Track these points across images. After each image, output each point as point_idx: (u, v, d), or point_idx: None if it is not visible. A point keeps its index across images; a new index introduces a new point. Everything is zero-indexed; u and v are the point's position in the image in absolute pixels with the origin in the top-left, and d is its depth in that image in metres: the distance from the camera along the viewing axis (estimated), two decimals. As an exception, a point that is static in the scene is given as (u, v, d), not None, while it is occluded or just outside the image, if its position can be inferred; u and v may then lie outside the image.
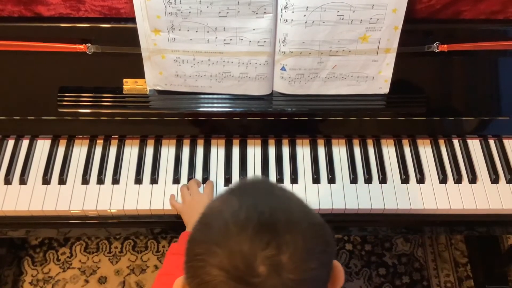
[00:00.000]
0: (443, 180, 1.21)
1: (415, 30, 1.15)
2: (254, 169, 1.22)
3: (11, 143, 1.25)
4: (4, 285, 1.73)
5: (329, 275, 0.67)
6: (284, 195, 0.70)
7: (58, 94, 1.18)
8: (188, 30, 1.07)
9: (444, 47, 1.14)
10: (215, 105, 1.19)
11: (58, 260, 1.81)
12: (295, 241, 0.60)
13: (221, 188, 1.19)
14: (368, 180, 1.21)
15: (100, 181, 1.19)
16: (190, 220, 1.11)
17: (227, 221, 0.62)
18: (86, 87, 1.18)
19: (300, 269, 0.60)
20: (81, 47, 1.12)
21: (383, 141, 1.27)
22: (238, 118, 1.21)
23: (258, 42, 1.09)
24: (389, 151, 1.25)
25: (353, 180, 1.21)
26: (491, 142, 1.28)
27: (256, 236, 0.59)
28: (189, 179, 1.20)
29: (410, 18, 1.10)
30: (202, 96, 1.19)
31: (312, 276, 0.62)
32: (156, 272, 1.76)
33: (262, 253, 0.58)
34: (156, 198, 1.18)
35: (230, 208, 0.64)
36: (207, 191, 1.16)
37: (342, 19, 1.06)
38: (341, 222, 1.23)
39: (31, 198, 1.17)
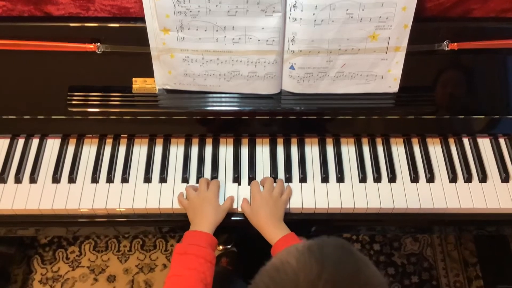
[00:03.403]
0: (453, 179, 1.21)
1: (425, 28, 1.14)
2: (262, 168, 1.22)
3: (21, 142, 1.25)
4: (14, 283, 1.74)
5: None
6: (367, 274, 0.66)
7: (68, 94, 1.18)
8: (197, 29, 1.07)
9: (454, 46, 1.13)
10: (224, 104, 1.19)
11: (67, 258, 1.82)
12: None
13: (230, 186, 1.19)
14: (377, 179, 1.20)
15: (110, 180, 1.20)
16: (195, 218, 1.11)
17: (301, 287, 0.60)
18: (95, 86, 1.19)
19: None
20: (90, 47, 1.12)
21: (392, 140, 1.26)
22: (247, 117, 1.21)
23: (267, 41, 1.09)
24: (398, 150, 1.25)
25: (362, 179, 1.20)
26: (501, 140, 1.27)
27: None
28: (197, 178, 1.20)
29: (420, 16, 1.10)
30: (211, 95, 1.19)
31: None
32: (165, 271, 1.77)
33: None
34: (165, 197, 1.18)
35: (307, 275, 0.62)
36: (213, 188, 1.16)
37: (351, 17, 1.05)
38: (349, 221, 1.23)
39: (41, 197, 1.18)
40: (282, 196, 1.15)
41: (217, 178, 1.20)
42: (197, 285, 0.97)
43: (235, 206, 1.17)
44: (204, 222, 1.09)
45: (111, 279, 1.78)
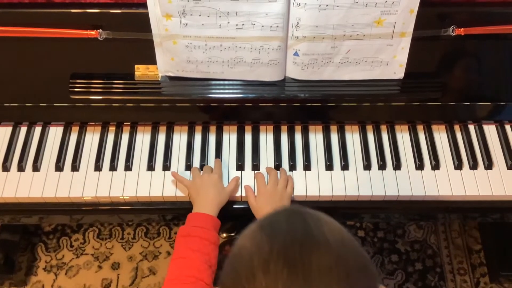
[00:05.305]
0: (458, 166, 1.20)
1: (431, 13, 1.13)
2: (266, 156, 1.21)
3: (23, 130, 1.25)
4: (19, 270, 1.75)
5: None
6: (320, 231, 0.62)
7: (70, 81, 1.17)
8: (199, 15, 1.06)
9: (461, 31, 1.12)
10: (227, 91, 1.18)
11: (71, 246, 1.83)
12: None
13: (233, 174, 1.19)
14: (382, 166, 1.19)
15: (113, 167, 1.19)
16: (198, 199, 1.11)
17: (255, 270, 0.58)
18: (97, 73, 1.18)
19: None
20: (92, 33, 1.11)
21: (397, 127, 1.25)
22: (250, 104, 1.20)
23: (271, 27, 1.07)
24: (403, 137, 1.24)
25: (367, 166, 1.19)
26: (508, 127, 1.26)
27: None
28: (201, 166, 1.19)
29: (426, 1, 1.08)
30: (214, 82, 1.18)
31: None
32: (169, 258, 1.77)
33: None
34: (168, 184, 1.17)
35: (260, 254, 0.59)
36: (217, 170, 1.16)
37: (357, 2, 1.04)
38: (354, 209, 1.23)
39: (44, 184, 1.17)
40: (287, 189, 1.15)
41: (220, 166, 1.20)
42: (202, 267, 0.97)
43: (238, 194, 1.16)
44: (208, 204, 1.09)
45: (115, 266, 1.79)
